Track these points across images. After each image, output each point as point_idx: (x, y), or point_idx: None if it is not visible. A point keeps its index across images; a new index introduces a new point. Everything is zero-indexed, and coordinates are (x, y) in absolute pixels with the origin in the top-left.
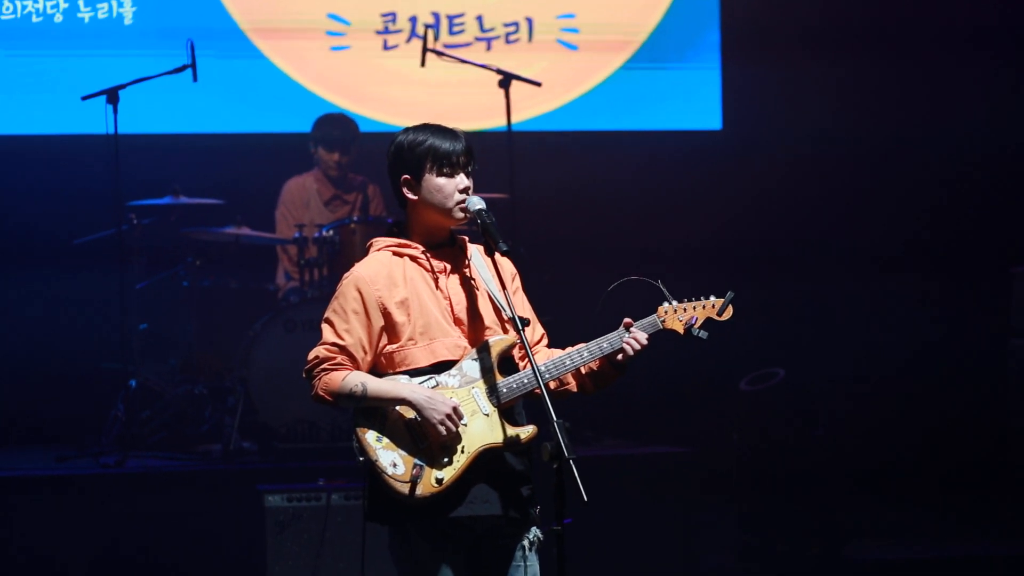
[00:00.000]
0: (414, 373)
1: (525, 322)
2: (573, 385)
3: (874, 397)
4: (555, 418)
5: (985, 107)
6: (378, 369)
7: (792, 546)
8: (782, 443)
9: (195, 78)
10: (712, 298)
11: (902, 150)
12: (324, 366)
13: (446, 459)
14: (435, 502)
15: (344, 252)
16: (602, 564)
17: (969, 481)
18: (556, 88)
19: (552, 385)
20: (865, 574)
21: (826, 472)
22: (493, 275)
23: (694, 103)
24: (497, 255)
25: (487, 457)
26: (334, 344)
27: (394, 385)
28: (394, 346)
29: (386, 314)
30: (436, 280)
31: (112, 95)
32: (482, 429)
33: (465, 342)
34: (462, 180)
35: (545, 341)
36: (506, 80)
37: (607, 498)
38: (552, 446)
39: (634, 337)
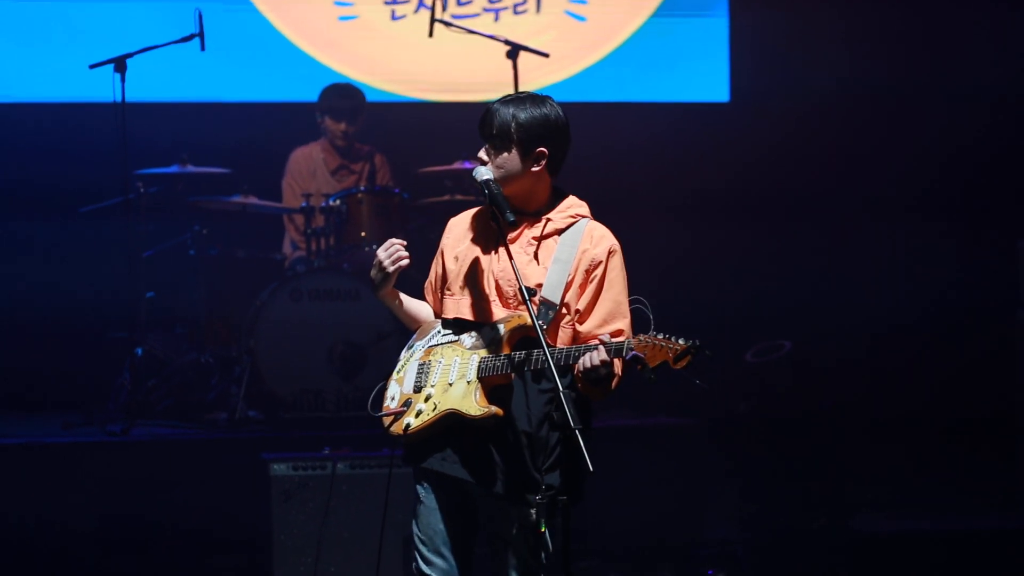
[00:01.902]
0: (444, 323)
1: (532, 292)
2: (580, 385)
3: (884, 370)
4: (561, 388)
5: (1000, 54)
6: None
7: (798, 517)
8: (789, 414)
9: (203, 47)
10: (680, 341)
11: (913, 99)
12: None
13: (421, 409)
14: (412, 447)
15: (351, 222)
16: (606, 534)
17: (980, 455)
18: (564, 59)
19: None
20: (871, 546)
21: (833, 444)
22: (568, 256)
23: (702, 75)
24: (592, 240)
25: (461, 422)
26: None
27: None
28: (444, 293)
29: (443, 262)
30: (500, 245)
31: (120, 64)
32: (458, 394)
33: (499, 308)
34: (482, 152)
35: (620, 339)
36: (514, 51)
37: (612, 469)
38: (558, 417)
39: (589, 355)
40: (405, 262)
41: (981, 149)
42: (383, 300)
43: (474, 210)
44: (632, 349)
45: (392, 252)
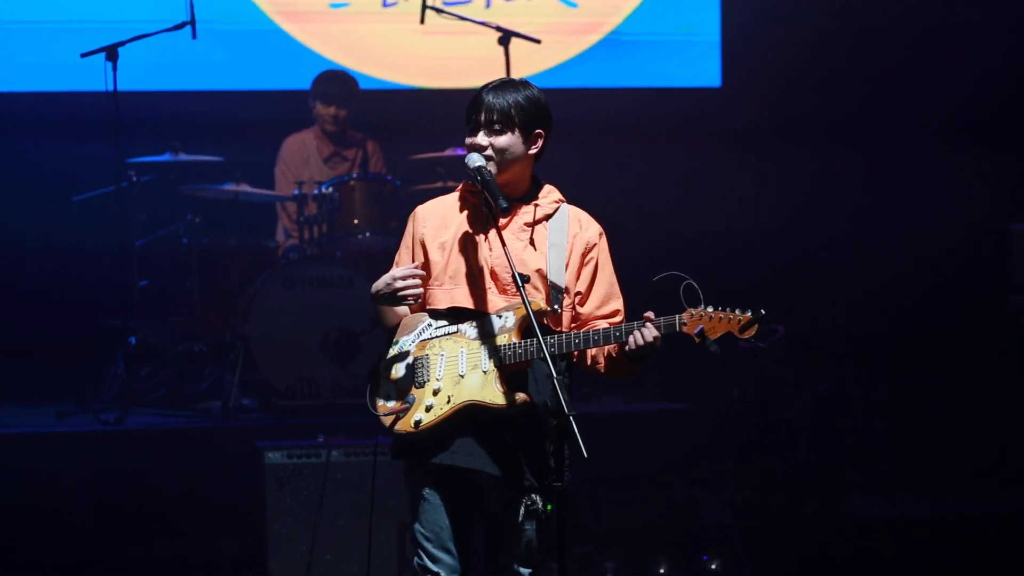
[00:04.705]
0: (434, 314)
1: (525, 279)
2: (601, 366)
3: (879, 354)
4: (555, 374)
5: None
6: (423, 304)
7: (791, 502)
8: (782, 399)
9: (194, 35)
10: (738, 312)
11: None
12: None
13: (431, 404)
14: (419, 443)
15: (343, 209)
16: (601, 520)
17: (975, 439)
18: (556, 46)
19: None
20: (865, 531)
21: (827, 428)
22: (561, 240)
23: (693, 60)
24: (580, 224)
25: (474, 413)
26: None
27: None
28: (428, 284)
29: (424, 252)
30: (491, 231)
31: (111, 52)
32: (474, 385)
33: (496, 296)
34: (479, 138)
35: (618, 318)
36: (506, 37)
37: (606, 454)
38: (552, 403)
39: (641, 331)
40: (415, 303)
41: (985, 87)
42: (376, 305)
43: (445, 197)
44: (684, 323)
45: (410, 284)
